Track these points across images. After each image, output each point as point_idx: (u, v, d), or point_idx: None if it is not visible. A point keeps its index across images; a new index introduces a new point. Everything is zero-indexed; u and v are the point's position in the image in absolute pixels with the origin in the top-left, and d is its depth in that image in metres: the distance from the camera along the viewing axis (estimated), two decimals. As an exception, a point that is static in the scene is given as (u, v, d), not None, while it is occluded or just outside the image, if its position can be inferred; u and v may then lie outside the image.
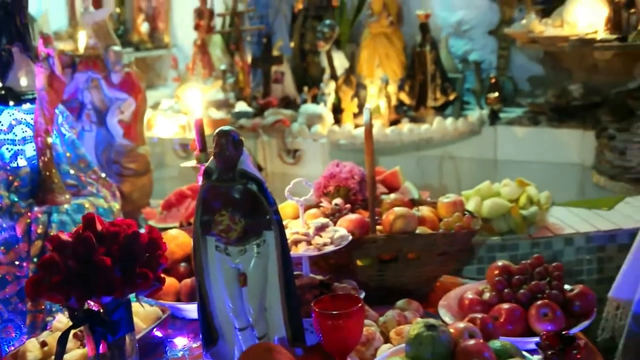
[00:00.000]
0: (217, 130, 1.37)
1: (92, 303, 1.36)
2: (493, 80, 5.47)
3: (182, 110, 5.57)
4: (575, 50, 4.57)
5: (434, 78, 5.33)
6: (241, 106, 5.50)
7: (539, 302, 1.64)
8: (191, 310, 1.80)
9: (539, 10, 4.91)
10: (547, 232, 2.77)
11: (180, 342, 1.76)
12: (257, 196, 1.38)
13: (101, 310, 1.36)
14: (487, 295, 1.73)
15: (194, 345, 1.73)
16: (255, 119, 5.27)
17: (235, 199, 1.38)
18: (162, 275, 1.42)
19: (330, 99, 5.42)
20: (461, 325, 1.31)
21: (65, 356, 1.48)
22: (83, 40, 3.56)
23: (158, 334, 1.73)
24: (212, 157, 1.40)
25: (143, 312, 1.71)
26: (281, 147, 5.14)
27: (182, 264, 1.96)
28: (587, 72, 5.10)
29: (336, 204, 2.03)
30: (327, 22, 5.62)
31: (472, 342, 1.23)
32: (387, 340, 1.59)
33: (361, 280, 1.87)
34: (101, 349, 1.38)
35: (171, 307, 1.81)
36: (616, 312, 2.04)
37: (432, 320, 1.26)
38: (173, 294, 1.86)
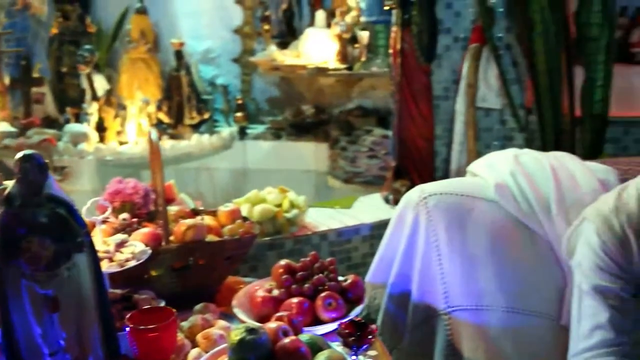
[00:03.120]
0: (20, 155, 1.14)
1: None
2: (240, 102, 5.50)
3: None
4: (307, 77, 4.76)
5: (190, 99, 5.23)
6: (3, 126, 4.90)
7: (323, 294, 1.63)
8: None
9: (277, 42, 5.03)
10: (307, 231, 2.81)
11: (-27, 372, 1.47)
12: (67, 219, 1.18)
13: None
14: (276, 292, 1.68)
15: (-11, 373, 1.45)
16: (19, 139, 4.72)
17: (43, 224, 1.16)
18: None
19: (94, 119, 5.06)
20: (273, 325, 1.24)
21: None
22: None
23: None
24: (14, 182, 1.17)
25: None
26: (49, 165, 4.66)
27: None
28: (316, 95, 5.34)
29: (124, 219, 1.87)
30: (87, 47, 5.26)
31: (287, 340, 1.17)
32: (194, 344, 1.47)
33: (157, 289, 1.73)
34: None
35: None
36: (372, 293, 2.11)
37: (250, 325, 1.17)
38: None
